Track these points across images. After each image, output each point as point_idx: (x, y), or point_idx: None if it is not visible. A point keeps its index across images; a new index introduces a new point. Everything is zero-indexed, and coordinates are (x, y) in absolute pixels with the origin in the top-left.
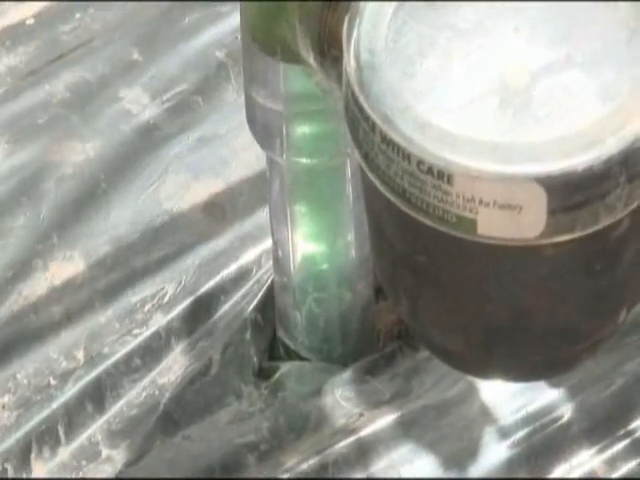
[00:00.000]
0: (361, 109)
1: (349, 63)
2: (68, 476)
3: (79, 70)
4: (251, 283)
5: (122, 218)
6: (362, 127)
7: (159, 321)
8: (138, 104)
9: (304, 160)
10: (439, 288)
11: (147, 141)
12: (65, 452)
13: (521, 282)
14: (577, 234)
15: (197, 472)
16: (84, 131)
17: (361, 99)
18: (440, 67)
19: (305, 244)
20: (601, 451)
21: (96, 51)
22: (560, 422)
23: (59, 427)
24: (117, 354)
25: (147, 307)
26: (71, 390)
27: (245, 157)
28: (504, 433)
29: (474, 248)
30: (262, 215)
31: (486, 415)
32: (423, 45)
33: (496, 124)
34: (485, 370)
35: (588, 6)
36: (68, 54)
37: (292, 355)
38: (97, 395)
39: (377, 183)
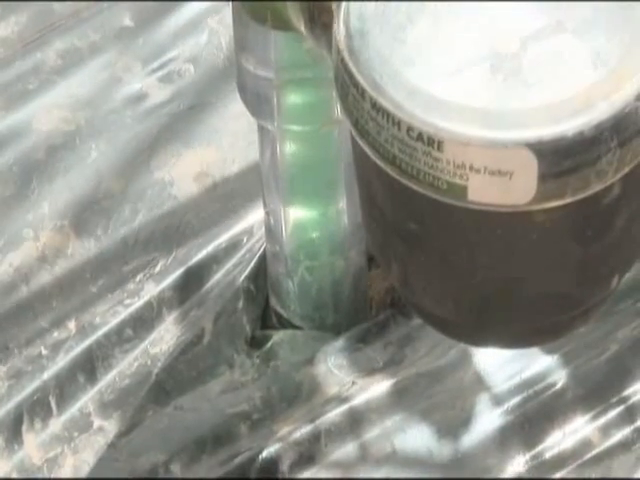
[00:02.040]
0: (351, 75)
1: (339, 29)
2: (59, 447)
3: (70, 37)
4: (243, 252)
5: (113, 188)
6: (352, 93)
7: (151, 291)
8: (129, 72)
9: (295, 127)
10: (430, 255)
11: (138, 109)
12: (57, 423)
13: (512, 248)
14: (568, 200)
15: (189, 442)
16: (74, 100)
17: (350, 65)
18: (429, 33)
19: (297, 212)
20: (595, 418)
21: (87, 19)
22: (554, 389)
23: (50, 398)
24: (108, 324)
25: (138, 277)
26: (62, 360)
27: (236, 125)
28: (498, 400)
29: (465, 214)
30: (254, 184)
31: (479, 382)
32: (412, 11)
33: (486, 90)
34: (477, 337)
35: None
36: (59, 22)
37: (285, 324)
38: (88, 365)
39: (367, 150)
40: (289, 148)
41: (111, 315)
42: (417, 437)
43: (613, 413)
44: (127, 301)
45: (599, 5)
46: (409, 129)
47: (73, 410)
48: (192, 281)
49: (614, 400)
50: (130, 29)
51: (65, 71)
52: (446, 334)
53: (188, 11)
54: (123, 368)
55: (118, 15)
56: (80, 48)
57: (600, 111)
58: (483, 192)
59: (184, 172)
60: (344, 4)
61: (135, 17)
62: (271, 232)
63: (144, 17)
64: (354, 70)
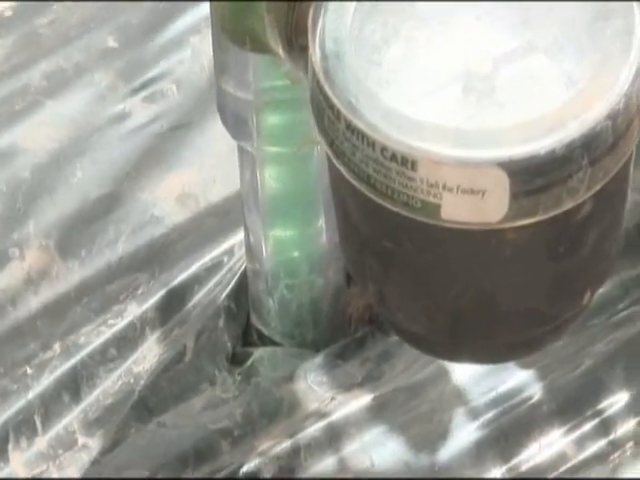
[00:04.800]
0: (326, 97)
1: (314, 52)
2: (45, 464)
3: (55, 58)
4: (224, 271)
5: (97, 208)
6: (327, 115)
7: (134, 311)
8: (113, 92)
9: (274, 148)
10: (405, 273)
11: (122, 129)
12: (42, 441)
13: (485, 265)
14: (540, 217)
15: (172, 458)
16: (60, 120)
17: (326, 87)
18: (404, 55)
19: (276, 231)
20: (570, 431)
21: (72, 40)
22: (530, 403)
23: (36, 417)
24: (92, 344)
25: (122, 297)
26: (47, 380)
27: (218, 146)
28: (474, 414)
29: (438, 232)
30: (235, 204)
31: (456, 397)
32: (387, 34)
33: (459, 110)
34: (452, 353)
35: None
36: (45, 44)
37: (265, 341)
38: (73, 385)
39: (343, 170)
40: (268, 169)
41: (95, 335)
42: (395, 451)
43: (588, 426)
44: (111, 321)
45: (569, 26)
46: (383, 149)
47: (58, 428)
48: (174, 301)
49: (589, 413)
50: (114, 50)
51: (51, 92)
52: (422, 350)
53: (171, 31)
54: (107, 387)
55: (102, 36)
56: (65, 69)
57: (571, 130)
58: (456, 210)
59: (167, 193)
60: (319, 27)
61: (119, 38)
62: (251, 251)
63: (128, 38)
64: (329, 92)
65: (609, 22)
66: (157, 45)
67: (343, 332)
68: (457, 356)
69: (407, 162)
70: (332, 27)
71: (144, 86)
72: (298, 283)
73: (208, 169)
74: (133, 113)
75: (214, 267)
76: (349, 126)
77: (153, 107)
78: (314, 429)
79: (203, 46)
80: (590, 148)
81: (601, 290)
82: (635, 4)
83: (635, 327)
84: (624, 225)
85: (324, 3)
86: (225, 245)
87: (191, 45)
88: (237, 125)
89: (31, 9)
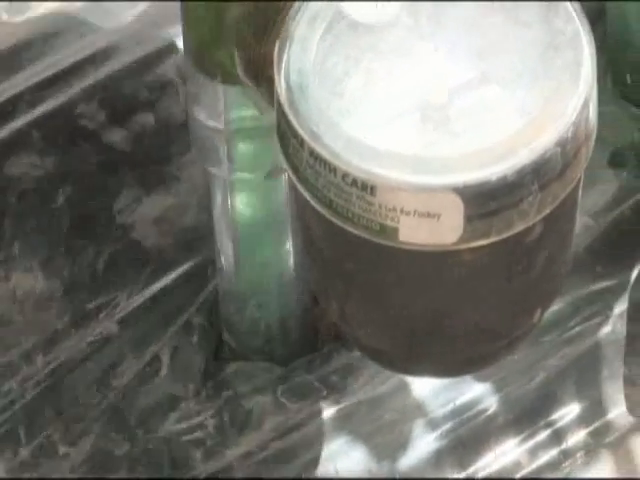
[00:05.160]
0: (291, 126)
1: (280, 84)
2: (27, 473)
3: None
4: (198, 291)
5: (78, 230)
6: (292, 143)
7: (113, 328)
8: (94, 121)
9: (244, 175)
10: (365, 292)
11: (103, 157)
12: (25, 451)
13: (441, 285)
14: (493, 239)
15: (148, 466)
16: (44, 147)
17: (290, 117)
18: (364, 86)
19: (246, 253)
20: (524, 441)
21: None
22: (486, 414)
23: (20, 429)
24: (74, 359)
25: (101, 315)
26: (30, 394)
27: (193, 173)
28: (434, 425)
29: (397, 254)
30: (208, 227)
31: (417, 408)
32: (348, 66)
33: (417, 139)
34: (411, 367)
35: (503, 26)
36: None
37: (237, 356)
38: (55, 397)
39: (306, 195)
40: (239, 194)
41: (76, 351)
42: (359, 460)
43: (541, 436)
44: (90, 338)
45: (522, 58)
46: (344, 176)
47: (40, 438)
48: (151, 318)
49: (542, 424)
50: (96, 79)
51: (35, 121)
52: (382, 365)
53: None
54: (87, 400)
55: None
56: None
57: (522, 157)
58: (413, 233)
59: (144, 217)
60: (285, 61)
61: (99, 65)
62: (223, 272)
63: (107, 64)
64: (294, 122)
65: (559, 54)
66: (136, 76)
67: (310, 348)
68: (415, 371)
69: (367, 188)
70: (296, 61)
71: (124, 116)
72: (267, 302)
73: (183, 195)
74: (113, 141)
75: (189, 287)
76: (312, 154)
77: (132, 135)
78: (282, 439)
79: (178, 79)
80: (540, 174)
81: (554, 308)
82: (584, 37)
83: (585, 343)
84: (575, 247)
85: (289, 38)
86: (199, 267)
87: (167, 76)
88: (208, 152)
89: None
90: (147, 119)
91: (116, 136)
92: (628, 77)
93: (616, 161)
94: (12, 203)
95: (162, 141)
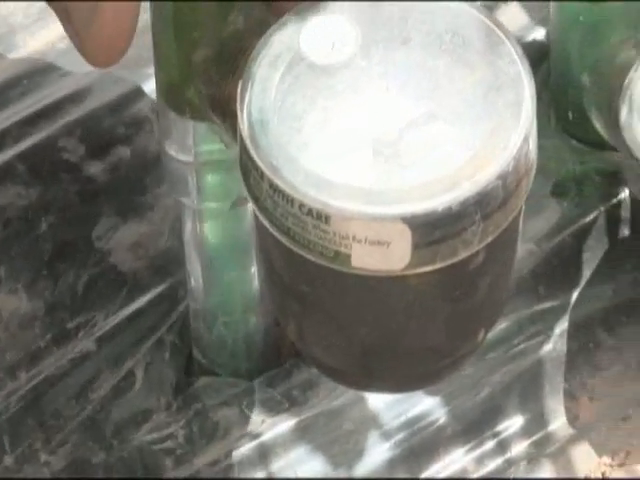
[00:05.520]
0: (252, 160)
1: (242, 120)
2: (10, 477)
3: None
4: (171, 310)
5: (60, 256)
6: (253, 175)
7: (91, 346)
8: (75, 155)
9: (211, 204)
10: (321, 314)
11: (83, 188)
12: (10, 459)
13: (391, 308)
14: (438, 265)
15: (123, 473)
16: (29, 178)
17: (252, 151)
18: (321, 123)
19: (214, 275)
20: (471, 450)
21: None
22: (436, 425)
23: (4, 439)
24: (55, 375)
25: (80, 334)
26: (15, 407)
27: (165, 202)
28: (387, 435)
29: (350, 279)
30: (179, 252)
31: (372, 420)
32: (306, 104)
33: (368, 172)
34: (363, 384)
35: (449, 67)
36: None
37: (205, 371)
38: (37, 411)
39: (266, 223)
40: (207, 222)
41: (57, 368)
42: (317, 467)
43: (487, 446)
44: (70, 355)
45: (467, 97)
46: (301, 206)
47: (23, 447)
48: (127, 337)
49: (488, 434)
50: (77, 114)
51: (20, 154)
52: (336, 381)
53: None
54: (67, 412)
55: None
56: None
57: (465, 189)
58: (365, 259)
59: (121, 243)
60: (247, 99)
61: (77, 102)
62: (193, 292)
63: (85, 101)
64: (255, 156)
65: (501, 94)
66: (114, 111)
67: (273, 364)
68: (368, 387)
69: (321, 217)
70: (257, 99)
71: (102, 149)
72: (233, 321)
73: (157, 222)
74: (93, 173)
75: (162, 308)
76: (271, 186)
77: (110, 167)
78: (246, 448)
79: (152, 114)
80: (482, 205)
81: (499, 327)
82: (525, 79)
83: (528, 360)
84: (520, 271)
85: (251, 79)
86: (171, 289)
87: (142, 112)
88: (178, 184)
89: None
90: (124, 153)
91: (95, 168)
92: (570, 114)
93: (558, 191)
94: None
95: (138, 173)
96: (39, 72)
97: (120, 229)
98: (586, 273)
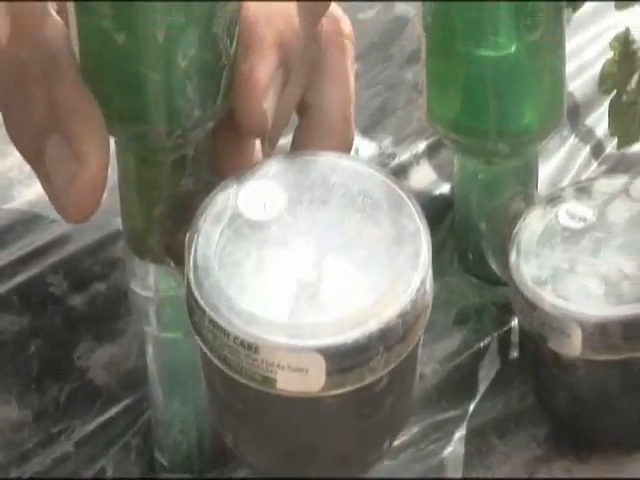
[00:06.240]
0: (195, 300)
1: (189, 266)
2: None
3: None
4: (136, 419)
5: (46, 372)
6: (197, 313)
7: (70, 448)
8: (60, 289)
9: (169, 333)
10: (252, 426)
11: (66, 316)
12: None
13: (310, 423)
14: (348, 389)
15: None
16: (20, 308)
17: (196, 293)
18: (255, 269)
19: (172, 391)
20: None
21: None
22: None
23: None
24: (40, 472)
25: (61, 438)
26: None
27: (134, 329)
28: None
29: (275, 398)
30: (144, 370)
31: None
32: (242, 253)
33: (292, 310)
34: None
35: (360, 224)
36: None
37: (165, 470)
38: None
39: (207, 352)
40: (165, 347)
41: (42, 466)
42: None
43: None
44: (53, 455)
45: (374, 249)
46: (235, 338)
47: None
48: (99, 441)
49: None
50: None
51: (14, 288)
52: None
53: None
54: None
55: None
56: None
57: (371, 326)
58: (288, 383)
59: (97, 362)
60: (193, 247)
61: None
62: (155, 405)
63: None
64: (198, 296)
65: (402, 247)
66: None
67: (221, 462)
68: None
69: (252, 348)
70: (202, 248)
71: (85, 284)
72: (187, 428)
73: (127, 345)
74: (74, 304)
75: (129, 416)
76: (211, 321)
77: (88, 297)
78: None
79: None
80: (385, 339)
81: (408, 433)
82: (423, 234)
83: (432, 461)
84: (425, 386)
85: (197, 231)
86: (137, 401)
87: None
88: (142, 315)
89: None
90: (100, 288)
91: (76, 301)
92: (470, 255)
93: (460, 320)
94: None
95: (112, 305)
96: (31, 220)
97: (97, 351)
98: (481, 388)
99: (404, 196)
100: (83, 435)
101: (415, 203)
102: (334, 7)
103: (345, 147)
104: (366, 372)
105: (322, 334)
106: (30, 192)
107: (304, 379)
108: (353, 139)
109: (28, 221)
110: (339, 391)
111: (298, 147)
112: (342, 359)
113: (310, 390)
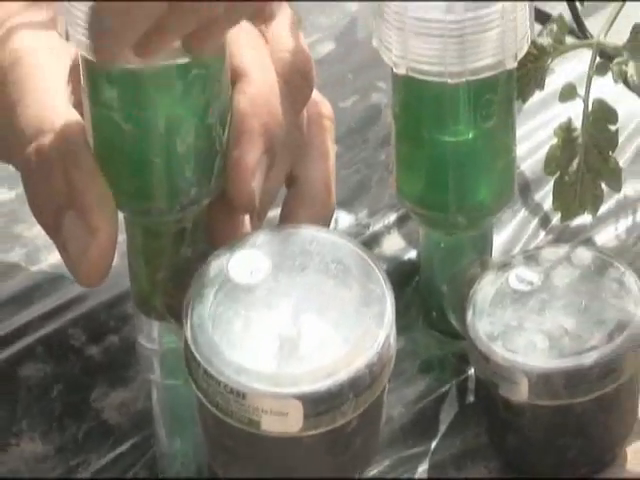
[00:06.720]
0: (192, 353)
1: (186, 324)
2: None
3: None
4: (144, 453)
5: (67, 412)
6: (192, 363)
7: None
8: (79, 341)
9: (171, 381)
10: (240, 461)
11: (84, 365)
12: None
13: (290, 459)
14: (323, 429)
15: None
16: (45, 356)
17: (192, 347)
18: (243, 327)
19: (174, 430)
20: None
21: None
22: None
23: None
24: None
25: (79, 470)
26: None
27: (143, 376)
28: None
29: (260, 438)
30: (151, 411)
31: None
32: (232, 313)
33: (275, 361)
34: None
35: (334, 287)
36: None
37: None
38: None
39: (201, 398)
40: (168, 393)
41: None
42: None
43: None
44: None
45: (345, 309)
46: (225, 386)
47: None
48: (112, 471)
49: None
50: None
51: (39, 339)
52: None
53: None
54: None
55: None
56: None
57: (342, 375)
58: (271, 424)
59: (111, 404)
60: (190, 308)
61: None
62: (159, 441)
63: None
64: (194, 350)
65: (370, 308)
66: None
67: None
68: None
69: (240, 395)
70: (198, 308)
71: (97, 335)
72: (188, 461)
73: (137, 389)
74: (83, 349)
75: (138, 451)
76: (205, 372)
77: (99, 345)
78: None
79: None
80: (354, 387)
81: (378, 468)
82: (388, 296)
83: None
84: (392, 427)
85: (194, 293)
86: (145, 438)
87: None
88: (148, 364)
89: None
90: (114, 340)
91: (93, 351)
92: (434, 313)
93: (423, 369)
94: (23, 395)
95: (124, 355)
96: (54, 280)
97: (110, 395)
98: (442, 428)
99: (372, 264)
100: (98, 467)
101: (382, 270)
102: (315, 93)
103: (327, 212)
104: (338, 415)
105: (300, 383)
106: (54, 256)
107: (285, 421)
108: (334, 206)
109: (52, 281)
110: (315, 432)
111: (287, 213)
112: (317, 404)
113: (290, 431)
